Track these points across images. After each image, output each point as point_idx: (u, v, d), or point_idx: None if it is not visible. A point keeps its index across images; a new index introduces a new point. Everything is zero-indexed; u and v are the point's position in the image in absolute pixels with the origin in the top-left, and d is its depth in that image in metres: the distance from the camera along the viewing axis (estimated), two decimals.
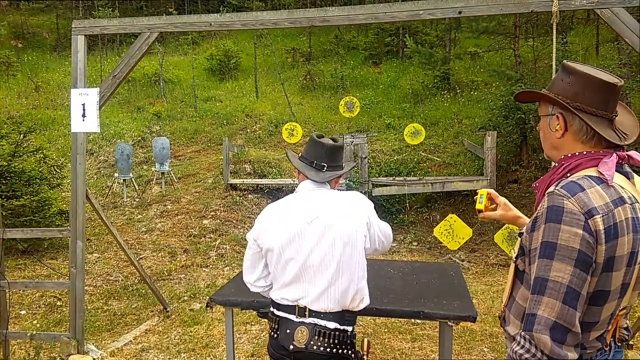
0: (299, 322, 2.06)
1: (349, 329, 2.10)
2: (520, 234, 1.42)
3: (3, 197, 7.20)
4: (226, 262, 7.50)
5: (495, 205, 1.83)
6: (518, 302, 1.45)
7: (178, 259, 7.55)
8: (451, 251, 8.14)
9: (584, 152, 1.39)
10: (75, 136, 4.06)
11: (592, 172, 1.34)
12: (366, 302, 2.17)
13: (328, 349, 2.02)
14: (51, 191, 8.33)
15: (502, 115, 9.73)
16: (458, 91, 13.62)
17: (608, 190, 1.29)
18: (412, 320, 5.06)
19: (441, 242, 5.38)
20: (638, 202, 1.33)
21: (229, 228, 8.61)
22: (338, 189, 2.33)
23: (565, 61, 1.45)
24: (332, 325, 2.05)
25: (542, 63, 11.14)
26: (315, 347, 2.02)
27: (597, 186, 1.30)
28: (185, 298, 6.07)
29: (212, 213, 9.04)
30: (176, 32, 3.74)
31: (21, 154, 7.94)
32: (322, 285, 2.05)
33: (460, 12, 3.01)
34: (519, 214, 1.81)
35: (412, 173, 10.43)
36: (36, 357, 4.17)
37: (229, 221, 8.82)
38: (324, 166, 2.19)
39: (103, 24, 3.87)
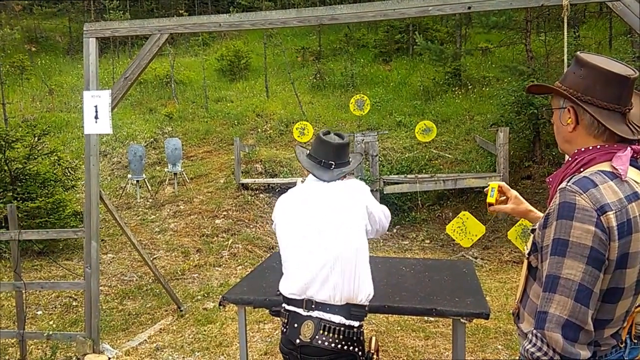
0: (306, 315, 2.09)
1: (355, 324, 2.09)
2: (533, 230, 1.41)
3: (19, 199, 7.32)
4: (239, 261, 7.54)
5: (506, 198, 1.82)
6: (531, 299, 1.43)
7: (191, 258, 7.60)
8: (464, 249, 8.08)
9: (598, 146, 1.36)
10: (89, 138, 4.11)
11: (605, 166, 1.32)
12: (369, 292, 2.17)
13: (333, 344, 2.03)
14: (66, 193, 8.45)
15: (515, 111, 9.64)
16: (469, 87, 13.52)
17: (622, 185, 1.27)
18: (425, 318, 5.04)
19: (454, 240, 5.36)
20: None
21: (241, 227, 8.65)
22: None
23: (578, 52, 1.41)
24: (337, 319, 2.06)
25: (554, 57, 11.01)
26: (320, 342, 2.03)
27: (610, 181, 1.27)
28: (199, 297, 6.12)
29: (225, 213, 9.09)
30: (186, 33, 3.76)
31: (36, 156, 8.06)
32: (324, 274, 2.08)
33: (469, 7, 2.99)
34: (530, 207, 1.79)
35: (423, 170, 10.38)
36: (52, 357, 4.23)
37: (241, 220, 8.85)
38: (332, 164, 2.23)
39: (114, 26, 3.91)
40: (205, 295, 6.16)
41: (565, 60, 3.10)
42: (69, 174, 8.87)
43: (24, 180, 7.72)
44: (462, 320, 2.65)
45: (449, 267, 3.52)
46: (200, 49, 18.09)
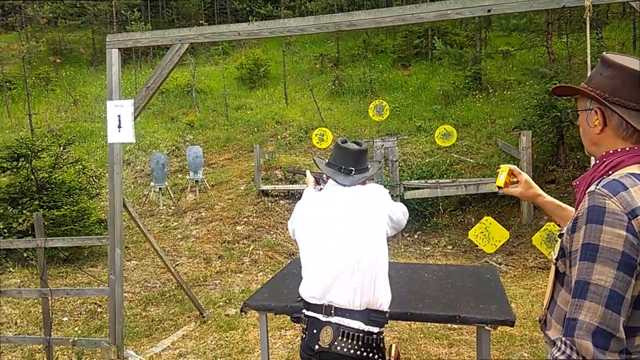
0: (325, 321, 2.09)
1: (375, 330, 2.08)
2: (561, 235, 1.37)
3: (45, 207, 7.48)
4: (260, 267, 7.56)
5: (517, 181, 1.82)
6: (559, 306, 1.40)
7: (213, 265, 7.65)
8: (488, 254, 7.96)
9: (627, 149, 1.33)
10: (112, 147, 4.18)
11: (635, 169, 1.28)
12: (388, 298, 2.17)
13: (352, 351, 2.02)
14: (90, 201, 8.61)
15: (537, 114, 9.49)
16: (490, 91, 13.37)
17: None
18: (449, 325, 4.97)
19: (477, 246, 5.28)
20: None
21: (261, 234, 8.68)
22: None
23: (604, 53, 1.38)
24: (356, 324, 2.05)
25: (577, 59, 10.83)
26: (339, 348, 2.03)
27: None
28: (221, 303, 6.15)
29: (245, 219, 9.14)
30: (206, 42, 3.80)
31: (61, 165, 8.24)
32: (344, 278, 2.09)
33: (489, 10, 2.95)
34: (540, 192, 1.79)
35: (444, 175, 10.28)
36: None
37: (261, 227, 8.89)
38: (352, 170, 2.26)
39: (136, 37, 3.98)
40: (227, 301, 6.19)
41: (589, 62, 3.04)
42: (93, 182, 9.04)
43: (49, 189, 7.90)
44: (486, 327, 2.60)
45: (472, 274, 3.47)
46: (220, 58, 18.31)
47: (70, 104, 16.14)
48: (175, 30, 3.83)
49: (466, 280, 3.26)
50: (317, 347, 2.07)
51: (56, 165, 8.17)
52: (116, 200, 4.19)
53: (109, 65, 4.08)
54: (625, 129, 1.33)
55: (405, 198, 9.40)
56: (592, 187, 1.27)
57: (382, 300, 2.11)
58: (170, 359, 4.64)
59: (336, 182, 2.26)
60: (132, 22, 18.48)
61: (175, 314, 5.89)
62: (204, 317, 5.63)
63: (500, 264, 7.69)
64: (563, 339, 1.23)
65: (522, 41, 12.14)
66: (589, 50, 2.82)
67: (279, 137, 12.93)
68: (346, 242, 2.11)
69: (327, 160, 2.37)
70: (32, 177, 7.77)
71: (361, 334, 2.04)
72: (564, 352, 1.22)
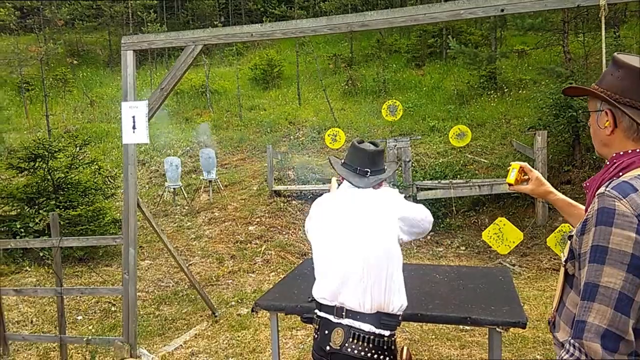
0: (337, 322, 2.09)
1: (386, 333, 2.07)
2: (570, 237, 1.36)
3: (61, 207, 7.59)
4: (272, 267, 7.59)
5: (528, 178, 1.82)
6: (568, 308, 1.39)
7: (225, 264, 7.70)
8: (501, 256, 7.89)
9: (637, 150, 1.31)
10: (127, 147, 4.23)
11: None
12: (401, 302, 2.14)
13: (362, 353, 2.02)
14: (106, 201, 8.72)
15: (553, 114, 9.37)
16: (505, 90, 13.24)
17: None
18: (461, 326, 4.94)
19: (490, 247, 5.24)
20: None
21: (274, 234, 8.71)
22: None
23: (616, 53, 1.37)
24: (367, 327, 2.04)
25: (594, 59, 10.67)
26: (349, 350, 2.03)
27: None
28: (233, 303, 6.18)
29: (258, 219, 9.18)
30: (219, 43, 3.83)
31: (77, 165, 8.35)
32: (355, 281, 2.07)
33: (502, 10, 2.92)
34: (551, 189, 1.79)
35: (458, 176, 10.20)
36: None
37: (274, 227, 8.92)
38: (367, 172, 2.22)
39: (150, 38, 4.02)
40: (239, 301, 6.23)
41: (604, 62, 2.99)
42: (109, 182, 9.16)
43: (66, 189, 8.01)
44: (497, 329, 2.58)
45: (485, 275, 3.44)
46: (235, 59, 18.42)
47: (87, 105, 16.36)
48: (188, 32, 3.86)
49: (478, 281, 3.23)
50: (328, 348, 2.08)
51: (72, 166, 8.29)
52: (130, 201, 4.23)
53: (124, 66, 4.13)
54: (636, 131, 1.31)
55: (418, 199, 9.36)
56: (601, 189, 1.26)
57: (394, 304, 2.09)
58: (183, 358, 4.68)
59: (351, 184, 2.23)
60: (148, 24, 18.68)
61: (188, 313, 5.94)
62: (216, 316, 5.67)
63: (514, 265, 7.61)
64: (572, 341, 1.22)
65: (537, 40, 11.99)
66: (603, 50, 2.78)
67: (291, 137, 12.96)
68: (355, 244, 2.10)
69: (342, 161, 2.34)
70: (49, 177, 7.89)
71: (372, 336, 2.04)
72: (572, 354, 1.21)
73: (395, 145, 9.55)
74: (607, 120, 1.36)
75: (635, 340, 1.22)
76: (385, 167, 2.32)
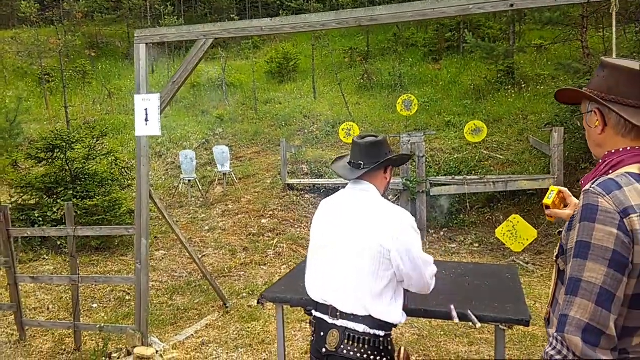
0: (332, 324, 2.10)
1: (381, 333, 2.06)
2: (559, 233, 1.39)
3: (78, 197, 7.74)
4: (283, 260, 7.65)
5: (567, 203, 1.77)
6: (560, 304, 1.40)
7: (238, 256, 7.78)
8: (515, 253, 7.83)
9: (628, 148, 1.34)
10: (139, 139, 4.30)
11: (634, 169, 1.29)
12: (396, 318, 2.11)
13: (358, 354, 2.02)
14: (122, 192, 8.86)
15: (570, 110, 9.23)
16: (523, 86, 13.05)
17: None
18: (470, 323, 4.93)
19: (504, 244, 5.21)
20: None
21: (286, 227, 8.76)
22: (394, 189, 2.37)
23: (603, 57, 1.43)
24: (361, 328, 2.04)
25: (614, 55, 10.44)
26: (345, 352, 2.03)
27: (636, 184, 1.24)
28: (244, 295, 6.26)
29: (271, 212, 9.24)
30: (229, 37, 3.86)
31: (94, 156, 8.49)
32: (344, 287, 2.08)
33: (512, 5, 2.89)
34: None
35: (473, 172, 10.12)
36: (105, 348, 4.45)
37: (286, 220, 8.97)
38: (361, 164, 2.18)
39: (162, 32, 4.08)
40: (250, 293, 6.30)
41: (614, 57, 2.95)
42: (125, 173, 9.30)
43: (83, 180, 8.17)
44: (500, 326, 2.58)
45: (491, 272, 3.43)
46: (251, 52, 18.47)
47: (106, 97, 16.59)
48: (200, 25, 3.90)
49: (484, 278, 3.23)
50: (324, 350, 2.08)
51: (89, 157, 8.44)
52: (143, 192, 4.31)
53: (136, 59, 4.19)
54: (624, 126, 1.34)
55: (431, 194, 9.32)
56: (587, 186, 1.29)
57: (386, 317, 2.06)
58: (193, 347, 4.76)
59: (341, 176, 2.26)
60: (166, 17, 18.83)
61: (200, 304, 6.03)
62: (227, 307, 5.75)
63: (527, 263, 7.55)
64: (555, 334, 1.25)
65: (556, 35, 11.79)
66: (614, 47, 2.74)
67: (306, 131, 12.98)
68: (347, 252, 2.08)
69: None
70: (67, 167, 8.05)
71: (367, 337, 2.04)
72: (554, 348, 1.24)
73: (409, 140, 9.50)
74: (597, 120, 1.39)
75: (623, 337, 1.23)
76: (388, 158, 2.21)
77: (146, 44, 4.13)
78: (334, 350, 2.05)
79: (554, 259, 1.43)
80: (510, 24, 13.97)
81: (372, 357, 2.03)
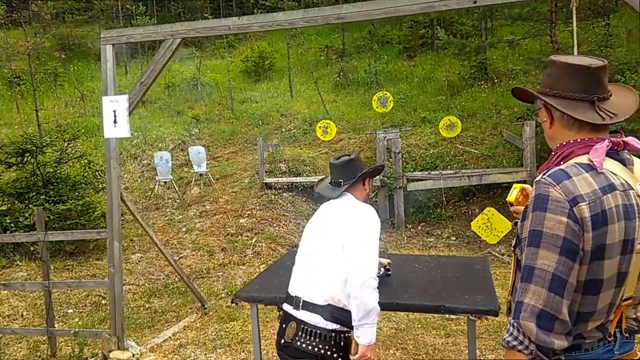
0: (293, 316, 2.20)
1: (335, 327, 2.13)
2: (515, 224, 1.43)
3: (50, 201, 7.60)
4: (262, 259, 7.64)
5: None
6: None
7: (216, 257, 7.74)
8: (491, 245, 7.94)
9: (578, 140, 1.38)
10: (109, 141, 4.24)
11: (583, 159, 1.33)
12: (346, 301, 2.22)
13: (310, 347, 2.09)
14: (96, 195, 8.72)
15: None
16: (496, 81, 13.25)
17: (597, 177, 1.28)
18: (447, 315, 5.00)
19: (480, 237, 5.28)
20: (633, 189, 1.29)
21: (264, 226, 8.75)
22: (372, 185, 2.56)
23: (552, 56, 1.47)
24: (316, 319, 2.12)
25: (583, 48, 10.66)
26: (299, 343, 2.12)
27: (585, 173, 1.28)
28: (223, 295, 6.23)
29: (249, 212, 9.21)
30: (198, 37, 3.84)
31: (66, 160, 8.34)
32: (312, 278, 2.23)
33: (475, 2, 2.95)
34: None
35: (448, 167, 10.25)
36: (80, 354, 4.39)
37: (264, 220, 8.95)
38: (341, 182, 2.42)
39: (129, 33, 4.02)
40: (229, 293, 6.27)
41: (575, 52, 3.03)
42: (99, 176, 9.15)
43: (55, 184, 8.01)
44: (470, 317, 2.63)
45: (463, 264, 3.49)
46: (226, 51, 18.32)
47: (78, 99, 16.28)
48: (167, 25, 3.87)
49: (456, 271, 3.28)
50: (282, 341, 2.18)
51: (62, 160, 8.28)
52: (114, 194, 4.26)
53: (103, 61, 4.13)
54: (567, 119, 1.39)
55: (408, 190, 9.41)
56: (538, 177, 1.33)
57: (344, 302, 2.17)
58: (171, 350, 4.73)
59: (328, 197, 2.47)
60: (138, 17, 18.54)
61: (178, 306, 5.99)
62: (205, 308, 5.72)
63: (503, 254, 7.69)
64: (512, 321, 1.29)
65: (526, 30, 11.99)
66: (575, 42, 2.81)
67: (283, 129, 12.97)
68: (319, 245, 2.29)
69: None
70: (38, 172, 7.88)
71: (320, 331, 2.11)
72: (511, 334, 1.27)
73: (385, 137, 9.58)
74: (545, 115, 1.45)
75: (579, 322, 1.27)
76: (362, 172, 2.47)
77: (113, 44, 4.07)
78: (290, 341, 2.13)
79: (512, 249, 1.47)
80: (482, 20, 14.15)
81: (323, 352, 2.09)
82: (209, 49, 20.40)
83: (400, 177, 9.38)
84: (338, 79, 15.72)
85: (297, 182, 10.03)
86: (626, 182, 1.30)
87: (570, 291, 1.24)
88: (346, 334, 2.18)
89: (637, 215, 1.27)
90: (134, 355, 4.44)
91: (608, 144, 1.31)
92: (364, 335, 2.06)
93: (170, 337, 5.04)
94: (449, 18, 15.95)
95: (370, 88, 14.61)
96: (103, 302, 6.16)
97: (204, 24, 3.74)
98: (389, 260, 3.09)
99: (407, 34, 17.33)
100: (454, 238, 8.80)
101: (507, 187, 9.35)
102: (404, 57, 16.99)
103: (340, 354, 2.13)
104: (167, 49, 3.83)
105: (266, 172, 10.44)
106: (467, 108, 12.31)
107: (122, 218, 7.54)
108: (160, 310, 5.88)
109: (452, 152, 10.73)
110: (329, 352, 2.10)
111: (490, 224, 4.84)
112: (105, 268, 7.19)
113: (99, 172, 9.17)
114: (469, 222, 8.28)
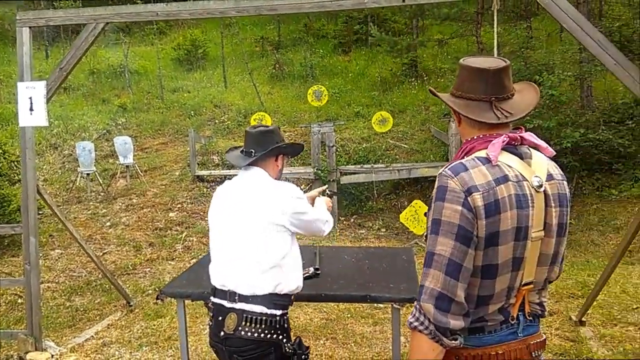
0: (230, 307, 2.14)
1: (278, 312, 2.14)
2: (426, 214, 1.51)
3: None
4: (193, 254, 7.48)
5: None
6: None
7: (143, 252, 7.48)
8: (418, 236, 8.25)
9: (481, 136, 1.47)
10: (24, 130, 3.98)
11: (482, 153, 1.43)
12: (296, 284, 2.24)
13: (255, 334, 2.08)
14: (11, 187, 8.13)
15: None
16: (425, 78, 13.72)
17: (492, 169, 1.37)
18: (375, 304, 5.15)
19: (408, 228, 5.46)
20: (527, 181, 1.39)
21: (195, 220, 8.56)
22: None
23: (461, 59, 1.55)
24: (258, 309, 2.11)
25: (506, 49, 11.29)
26: (242, 333, 2.09)
27: (481, 166, 1.38)
28: (150, 292, 6.04)
29: (179, 205, 8.97)
30: (123, 22, 3.67)
31: None
32: (241, 270, 2.15)
33: (404, 0, 3.04)
34: None
35: (380, 160, 10.51)
36: None
37: (196, 213, 8.76)
38: (252, 152, 2.27)
39: (48, 15, 3.78)
40: (156, 289, 6.09)
41: (495, 53, 3.20)
42: (15, 167, 8.53)
43: None
44: (394, 305, 2.73)
45: (389, 255, 3.61)
46: (156, 38, 17.60)
47: None
48: (90, 9, 3.66)
49: (382, 261, 3.38)
50: (222, 333, 2.12)
51: None
52: (29, 187, 4.00)
53: (19, 44, 3.86)
54: (469, 119, 1.49)
55: (342, 183, 9.56)
56: (440, 170, 1.43)
57: (284, 287, 2.17)
58: (93, 349, 4.52)
59: (234, 164, 2.35)
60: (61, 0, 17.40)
61: (101, 304, 5.74)
62: (131, 306, 5.52)
63: None
64: (415, 303, 1.37)
65: (454, 30, 12.50)
66: (495, 43, 2.97)
67: (217, 121, 12.71)
68: (237, 231, 2.18)
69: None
70: None
71: (264, 317, 2.10)
72: (414, 315, 1.36)
73: (320, 130, 9.65)
74: (454, 115, 1.56)
75: (480, 306, 1.36)
76: (278, 146, 2.33)
77: (30, 27, 3.81)
78: (232, 332, 2.09)
79: (424, 238, 1.56)
80: (412, 19, 14.58)
81: (269, 336, 2.09)
82: (137, 35, 19.51)
83: (334, 171, 9.50)
84: (274, 71, 15.61)
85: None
86: (520, 174, 1.39)
87: (466, 275, 1.32)
88: (286, 316, 2.21)
89: (530, 205, 1.37)
90: (52, 355, 4.21)
91: (505, 139, 1.41)
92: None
93: (92, 336, 4.82)
94: (382, 15, 16.27)
95: (305, 81, 14.63)
96: (19, 301, 5.78)
97: (130, 9, 3.58)
98: (326, 186, 3.13)
99: (342, 29, 17.50)
100: (384, 230, 9.05)
101: (434, 180, 9.72)
102: (339, 52, 17.15)
103: (285, 334, 2.15)
104: (90, 34, 3.63)
105: (198, 164, 10.20)
106: (398, 104, 12.66)
107: (41, 212, 7.11)
108: (82, 309, 5.61)
109: (383, 146, 11.01)
110: (275, 336, 2.10)
111: (417, 216, 5.04)
112: (22, 265, 6.75)
113: (15, 162, 8.55)
114: (398, 214, 8.57)
